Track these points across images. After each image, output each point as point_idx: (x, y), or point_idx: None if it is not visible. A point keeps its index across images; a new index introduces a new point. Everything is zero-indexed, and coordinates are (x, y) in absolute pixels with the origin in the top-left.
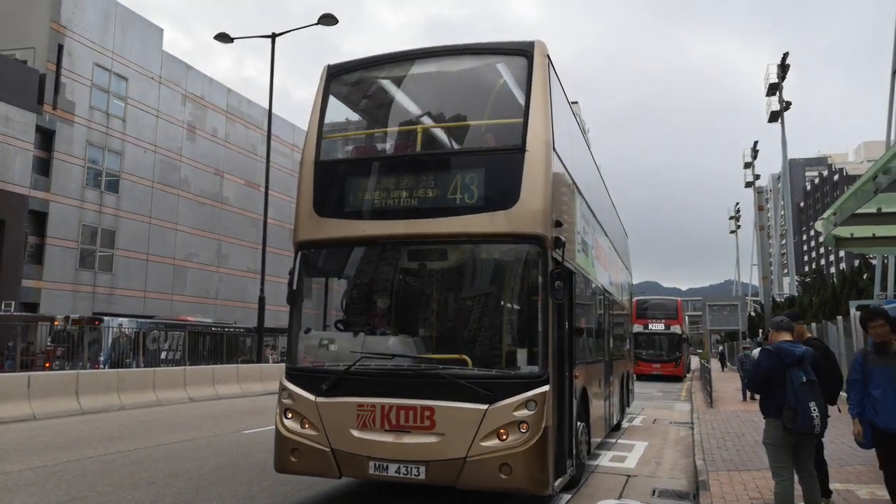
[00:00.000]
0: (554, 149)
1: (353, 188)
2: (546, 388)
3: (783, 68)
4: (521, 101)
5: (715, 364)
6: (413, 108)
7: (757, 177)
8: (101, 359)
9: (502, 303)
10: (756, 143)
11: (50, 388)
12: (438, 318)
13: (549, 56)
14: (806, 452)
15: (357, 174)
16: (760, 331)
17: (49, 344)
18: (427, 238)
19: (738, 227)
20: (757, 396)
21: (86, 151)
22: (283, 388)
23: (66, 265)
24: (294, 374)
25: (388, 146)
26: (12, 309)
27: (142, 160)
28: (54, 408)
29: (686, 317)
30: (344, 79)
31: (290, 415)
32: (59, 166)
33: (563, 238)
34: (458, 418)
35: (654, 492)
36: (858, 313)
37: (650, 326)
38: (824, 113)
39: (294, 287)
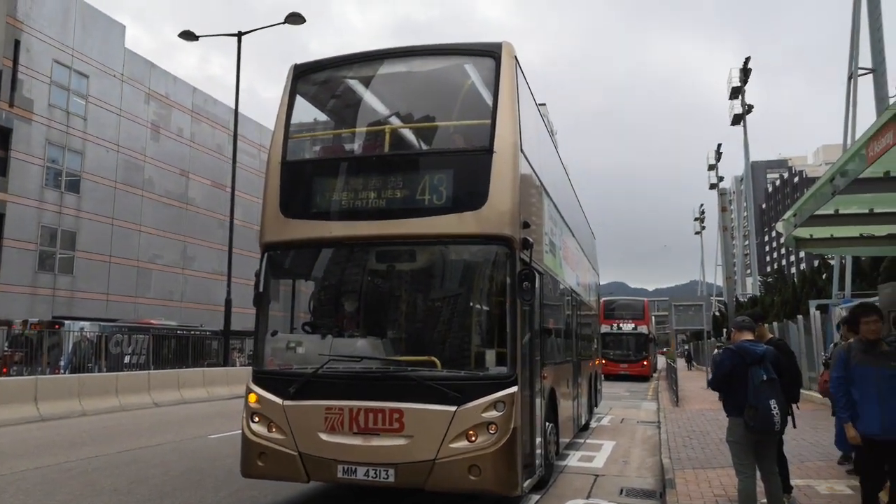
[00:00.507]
0: (521, 150)
1: (321, 188)
2: (514, 388)
3: (745, 72)
4: (489, 102)
5: (681, 363)
6: (381, 109)
7: (720, 179)
8: (62, 364)
9: (471, 304)
10: (720, 145)
11: (7, 395)
12: (407, 319)
13: (516, 57)
14: (767, 450)
15: (324, 174)
16: (724, 330)
17: (6, 349)
18: (395, 239)
19: (703, 228)
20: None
21: (45, 150)
22: (249, 392)
23: (24, 267)
24: (261, 378)
25: (356, 146)
26: None
27: (104, 160)
28: (12, 415)
29: (653, 317)
30: (311, 78)
31: (256, 418)
32: (17, 166)
33: (531, 239)
34: (427, 420)
35: (622, 491)
36: (818, 311)
37: (617, 327)
38: (786, 116)
39: (260, 289)
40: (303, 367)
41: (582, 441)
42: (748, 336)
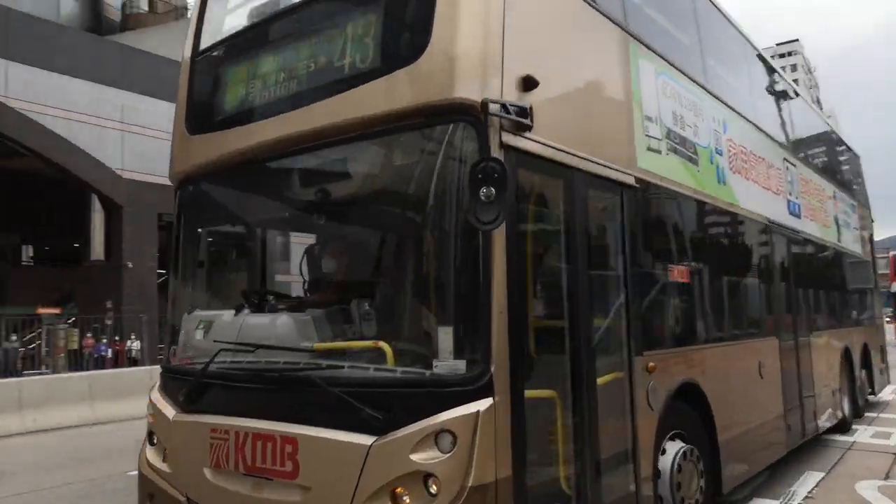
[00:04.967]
0: None
1: (225, 84)
2: (485, 403)
3: None
4: None
5: None
6: None
7: None
8: None
9: (422, 243)
10: None
11: None
12: (335, 277)
13: None
14: None
15: (231, 62)
16: None
17: None
18: (301, 140)
19: None
20: None
21: None
22: (149, 400)
23: None
24: (165, 377)
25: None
26: None
27: None
28: None
29: None
30: None
31: (155, 440)
32: None
33: (526, 106)
34: (329, 459)
35: None
36: None
37: None
38: None
39: (175, 244)
40: (203, 360)
41: (875, 415)
42: None
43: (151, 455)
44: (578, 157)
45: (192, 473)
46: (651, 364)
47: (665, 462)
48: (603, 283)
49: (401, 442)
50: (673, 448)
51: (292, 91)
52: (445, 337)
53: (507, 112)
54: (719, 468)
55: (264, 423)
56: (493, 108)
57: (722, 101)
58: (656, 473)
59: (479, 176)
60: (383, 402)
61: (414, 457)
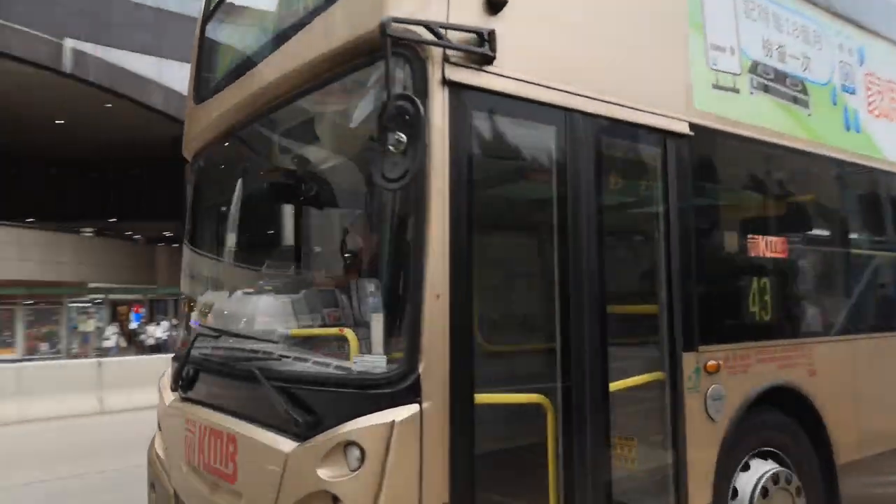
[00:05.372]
0: None
1: (215, 49)
2: (407, 410)
3: None
4: None
5: None
6: None
7: None
8: None
9: (368, 216)
10: None
11: None
12: (305, 253)
13: None
14: None
15: (221, 24)
16: None
17: None
18: (258, 101)
19: None
20: None
21: None
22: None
23: None
24: (172, 362)
25: None
26: None
27: None
28: None
29: None
30: None
31: (161, 427)
32: None
33: (480, 32)
34: (257, 465)
35: None
36: None
37: None
38: None
39: (188, 220)
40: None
41: None
42: None
43: (158, 442)
44: (581, 96)
45: (176, 465)
46: (712, 362)
47: (745, 481)
48: (628, 259)
49: (310, 452)
50: (760, 467)
51: (261, 48)
52: (377, 325)
53: (438, 36)
54: (838, 501)
55: (219, 417)
56: (418, 31)
57: (856, 24)
58: (730, 494)
59: (388, 121)
60: (307, 401)
61: (321, 472)
